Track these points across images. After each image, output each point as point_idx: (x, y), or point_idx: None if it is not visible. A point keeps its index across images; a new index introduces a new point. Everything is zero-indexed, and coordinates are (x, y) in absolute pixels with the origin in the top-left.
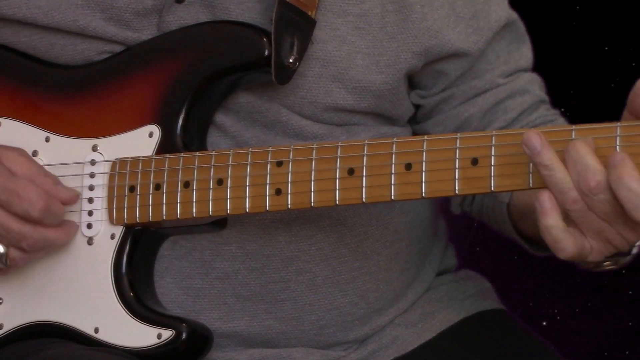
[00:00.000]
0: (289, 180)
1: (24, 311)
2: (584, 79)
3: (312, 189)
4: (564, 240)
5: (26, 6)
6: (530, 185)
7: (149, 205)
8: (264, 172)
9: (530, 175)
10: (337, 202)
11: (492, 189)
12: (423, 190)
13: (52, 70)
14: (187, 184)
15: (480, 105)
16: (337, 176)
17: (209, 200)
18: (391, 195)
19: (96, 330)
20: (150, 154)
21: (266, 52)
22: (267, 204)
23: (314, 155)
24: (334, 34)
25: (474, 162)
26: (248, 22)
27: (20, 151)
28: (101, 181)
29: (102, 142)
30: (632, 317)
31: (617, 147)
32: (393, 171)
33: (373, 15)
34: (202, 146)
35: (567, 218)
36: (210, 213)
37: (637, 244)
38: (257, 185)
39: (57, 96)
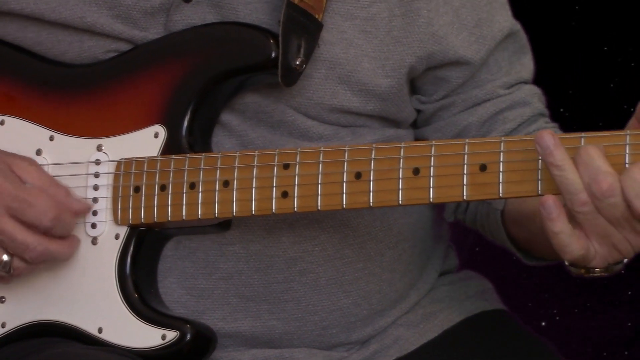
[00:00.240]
0: (296, 183)
1: (26, 310)
2: (583, 79)
3: (319, 193)
4: (572, 244)
5: (34, 2)
6: (539, 192)
7: (154, 206)
8: (271, 175)
9: (539, 182)
10: (344, 205)
11: (501, 195)
12: (431, 196)
13: (57, 68)
14: (192, 185)
15: (480, 114)
16: (344, 180)
17: (214, 202)
18: (399, 200)
19: (100, 330)
20: (155, 154)
21: (273, 54)
22: (274, 207)
23: (321, 159)
24: (341, 36)
25: (482, 168)
26: (255, 24)
27: (30, 161)
28: (106, 181)
29: (107, 142)
30: (632, 317)
31: (627, 155)
32: (401, 176)
33: (380, 19)
34: (206, 146)
35: (573, 220)
36: (216, 215)
37: None
38: (264, 187)
39: (62, 95)
